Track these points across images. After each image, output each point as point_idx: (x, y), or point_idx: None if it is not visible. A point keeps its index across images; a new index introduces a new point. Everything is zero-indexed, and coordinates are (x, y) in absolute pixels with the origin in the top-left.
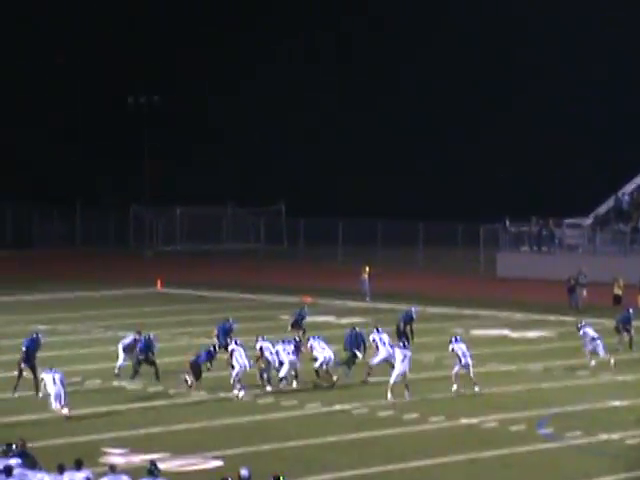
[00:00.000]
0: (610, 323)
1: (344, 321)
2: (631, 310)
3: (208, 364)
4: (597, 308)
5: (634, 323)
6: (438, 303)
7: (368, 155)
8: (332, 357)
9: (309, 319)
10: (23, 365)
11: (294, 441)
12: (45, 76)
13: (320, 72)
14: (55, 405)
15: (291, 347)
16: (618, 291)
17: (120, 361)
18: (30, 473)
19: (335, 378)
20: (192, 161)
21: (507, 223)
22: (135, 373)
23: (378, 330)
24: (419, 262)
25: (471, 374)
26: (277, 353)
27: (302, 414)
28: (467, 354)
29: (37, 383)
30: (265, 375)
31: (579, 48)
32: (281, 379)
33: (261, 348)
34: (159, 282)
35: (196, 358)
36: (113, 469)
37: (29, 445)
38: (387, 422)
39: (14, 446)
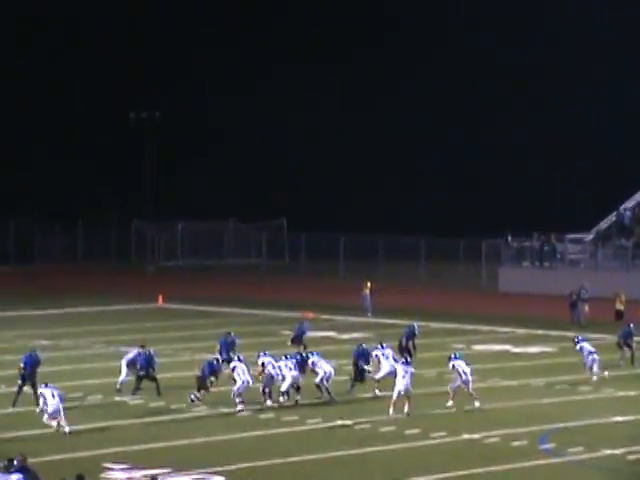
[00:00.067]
0: (612, 338)
1: (345, 336)
2: (632, 325)
3: (212, 378)
4: (599, 323)
5: (636, 338)
6: (440, 318)
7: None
8: (332, 372)
9: (310, 334)
10: (20, 381)
11: (295, 456)
12: (47, 92)
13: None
14: (48, 420)
15: (292, 362)
16: (620, 306)
17: (122, 376)
18: None
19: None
20: (194, 176)
21: (509, 238)
22: (137, 389)
23: (382, 346)
24: (421, 277)
25: (470, 390)
26: (279, 368)
27: (303, 429)
28: (467, 371)
29: (37, 399)
30: (267, 390)
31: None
32: (282, 394)
33: (263, 363)
34: (161, 297)
35: (201, 372)
36: None
37: (30, 460)
38: (389, 437)
39: (15, 461)
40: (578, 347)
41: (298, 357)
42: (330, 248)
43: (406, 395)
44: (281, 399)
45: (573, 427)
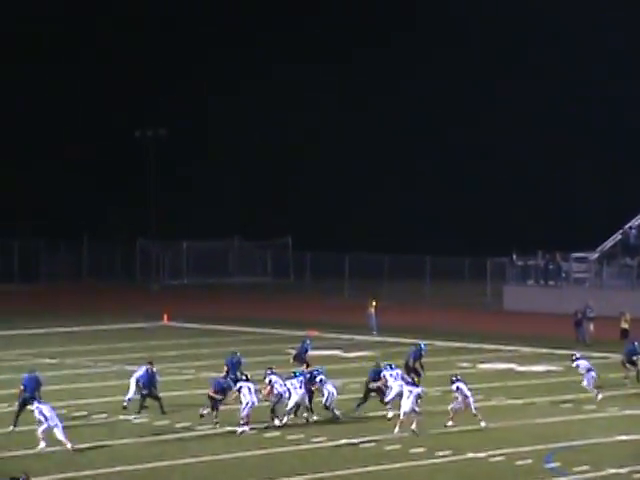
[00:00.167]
0: (617, 357)
1: (351, 355)
2: (637, 343)
3: (219, 396)
4: (604, 342)
5: None
6: (445, 337)
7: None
8: (335, 393)
9: (316, 353)
10: (19, 403)
11: (300, 475)
12: (51, 109)
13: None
14: (40, 433)
15: (299, 381)
16: (625, 325)
17: (130, 394)
18: None
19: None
20: (199, 195)
21: (514, 257)
22: (141, 407)
23: (391, 367)
24: (426, 296)
25: (474, 411)
26: (286, 386)
27: (308, 448)
28: (468, 393)
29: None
30: (275, 408)
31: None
32: (287, 412)
33: (270, 381)
34: (166, 316)
35: (214, 391)
36: None
37: (38, 479)
38: (394, 456)
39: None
40: (574, 364)
41: (306, 375)
42: (335, 266)
43: (411, 416)
44: (285, 419)
45: (578, 446)
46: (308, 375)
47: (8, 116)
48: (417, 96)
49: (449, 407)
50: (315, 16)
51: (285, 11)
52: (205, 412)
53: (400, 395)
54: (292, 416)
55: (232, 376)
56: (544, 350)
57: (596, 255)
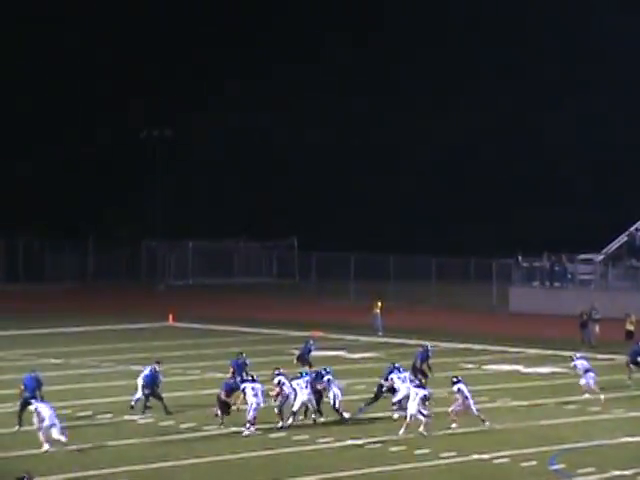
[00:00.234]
0: (622, 359)
1: (356, 356)
2: None
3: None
4: (609, 344)
5: None
6: (450, 338)
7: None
8: (339, 394)
9: (320, 353)
10: (21, 403)
11: (306, 476)
12: (56, 110)
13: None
14: (42, 436)
15: (305, 381)
16: (630, 327)
17: (138, 394)
18: None
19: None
20: (204, 195)
21: (520, 258)
22: (145, 408)
23: (399, 370)
24: (431, 297)
25: (476, 412)
26: (293, 387)
27: (314, 449)
28: (469, 395)
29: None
30: (282, 409)
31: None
32: (293, 414)
33: (279, 382)
34: (171, 316)
35: (222, 392)
36: None
37: (42, 479)
38: (399, 457)
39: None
40: (573, 364)
41: (312, 375)
42: (340, 267)
43: (418, 418)
44: (290, 420)
45: (583, 448)
46: (314, 375)
47: (16, 115)
48: (417, 95)
49: (450, 409)
50: (315, 16)
51: (285, 11)
52: (219, 412)
53: (408, 397)
54: (302, 417)
55: (239, 377)
56: (549, 352)
57: (602, 257)
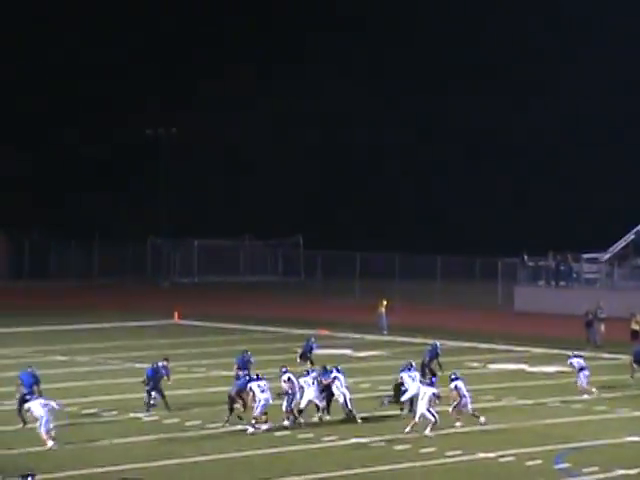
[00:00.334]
0: (627, 359)
1: (361, 354)
2: None
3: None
4: (615, 343)
5: None
6: (455, 337)
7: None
8: (347, 393)
9: (326, 352)
10: (18, 399)
11: (311, 474)
12: (61, 108)
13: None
14: (44, 434)
15: (311, 379)
16: (635, 327)
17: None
18: None
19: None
20: (210, 193)
21: (525, 257)
22: (148, 405)
23: (409, 368)
24: (437, 296)
25: (471, 410)
26: (300, 385)
27: (319, 447)
28: (466, 393)
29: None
30: (289, 409)
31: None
32: (299, 412)
33: (289, 378)
34: (176, 314)
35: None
36: None
37: (45, 476)
38: (404, 456)
39: (29, 478)
40: (569, 362)
41: (319, 372)
42: (346, 266)
43: (426, 418)
44: (297, 418)
45: (588, 447)
46: (321, 371)
47: (20, 114)
48: (418, 96)
49: (449, 409)
50: (315, 16)
51: (285, 11)
52: (242, 408)
53: (417, 396)
54: (321, 413)
55: (246, 375)
56: (555, 351)
57: (607, 256)
